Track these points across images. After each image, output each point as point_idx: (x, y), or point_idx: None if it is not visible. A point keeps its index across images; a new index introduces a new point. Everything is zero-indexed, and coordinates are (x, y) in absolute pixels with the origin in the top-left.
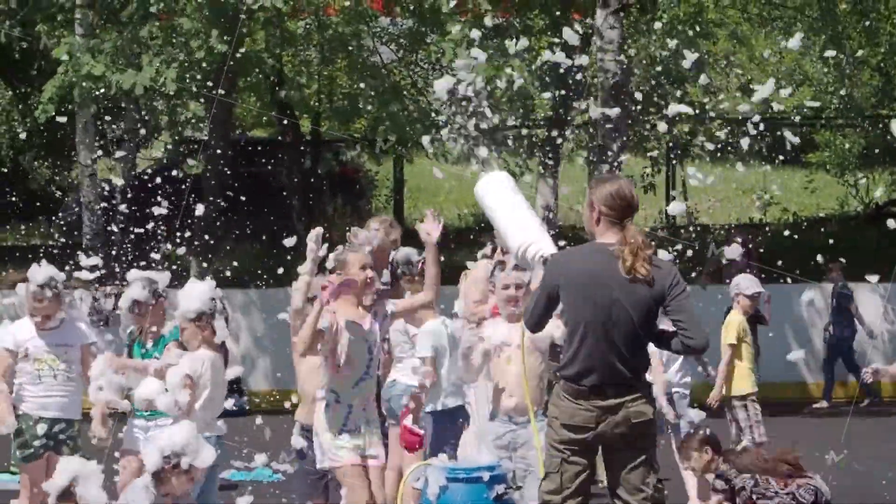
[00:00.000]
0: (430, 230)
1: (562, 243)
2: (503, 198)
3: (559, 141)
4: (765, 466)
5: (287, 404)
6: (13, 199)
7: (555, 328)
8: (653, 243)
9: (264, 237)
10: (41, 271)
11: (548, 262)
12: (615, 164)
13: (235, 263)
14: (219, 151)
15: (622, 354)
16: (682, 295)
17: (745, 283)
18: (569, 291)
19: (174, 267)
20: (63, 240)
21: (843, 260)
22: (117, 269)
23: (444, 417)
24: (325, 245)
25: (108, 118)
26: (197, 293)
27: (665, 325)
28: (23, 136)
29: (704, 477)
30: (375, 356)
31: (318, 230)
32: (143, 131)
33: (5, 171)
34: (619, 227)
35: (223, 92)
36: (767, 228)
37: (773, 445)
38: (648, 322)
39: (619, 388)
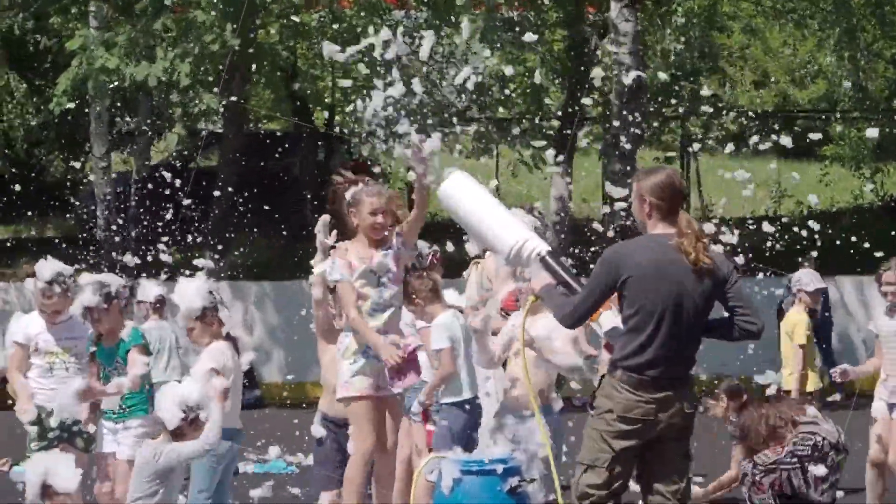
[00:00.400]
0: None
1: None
2: (477, 198)
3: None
4: (764, 432)
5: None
6: (28, 191)
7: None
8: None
9: (285, 230)
10: (48, 267)
11: (607, 256)
12: (629, 156)
13: (229, 253)
14: (214, 145)
15: (686, 345)
16: (739, 282)
17: (807, 279)
18: (637, 283)
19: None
20: (76, 230)
21: (815, 253)
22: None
23: (462, 409)
24: (334, 232)
25: (121, 110)
26: (194, 291)
27: None
28: (34, 122)
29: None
30: (389, 286)
31: (325, 218)
32: (154, 123)
33: (20, 167)
34: (671, 217)
35: (233, 99)
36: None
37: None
38: (709, 311)
39: (676, 379)
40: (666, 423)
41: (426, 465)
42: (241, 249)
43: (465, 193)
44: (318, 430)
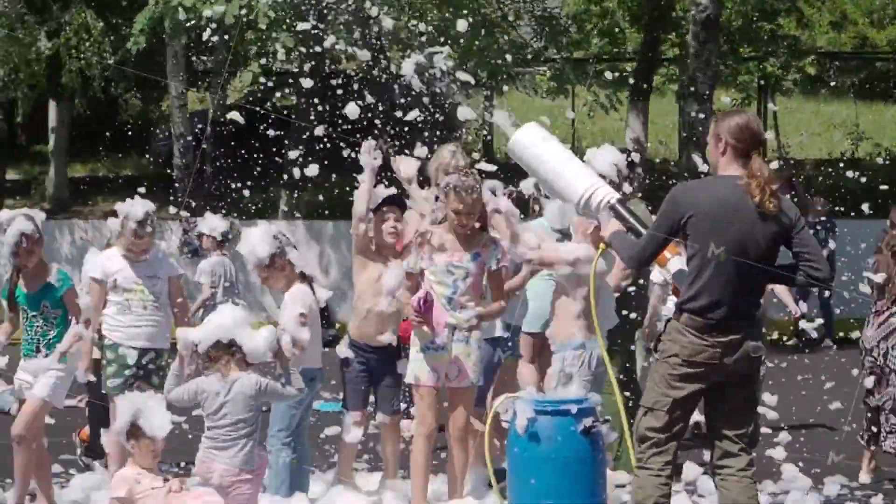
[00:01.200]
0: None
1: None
2: (549, 148)
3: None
4: None
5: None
6: (104, 129)
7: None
8: (778, 177)
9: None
10: (139, 207)
11: (673, 194)
12: (705, 97)
13: (305, 192)
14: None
15: (750, 288)
16: (806, 228)
17: None
18: (699, 223)
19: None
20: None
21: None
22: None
23: (490, 344)
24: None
25: (198, 48)
26: (258, 239)
27: None
28: (111, 61)
29: None
30: (464, 287)
31: (371, 142)
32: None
33: (97, 106)
34: (744, 160)
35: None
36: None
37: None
38: (774, 256)
39: (742, 322)
40: (731, 368)
41: (500, 405)
42: (316, 189)
43: (536, 143)
44: (345, 352)
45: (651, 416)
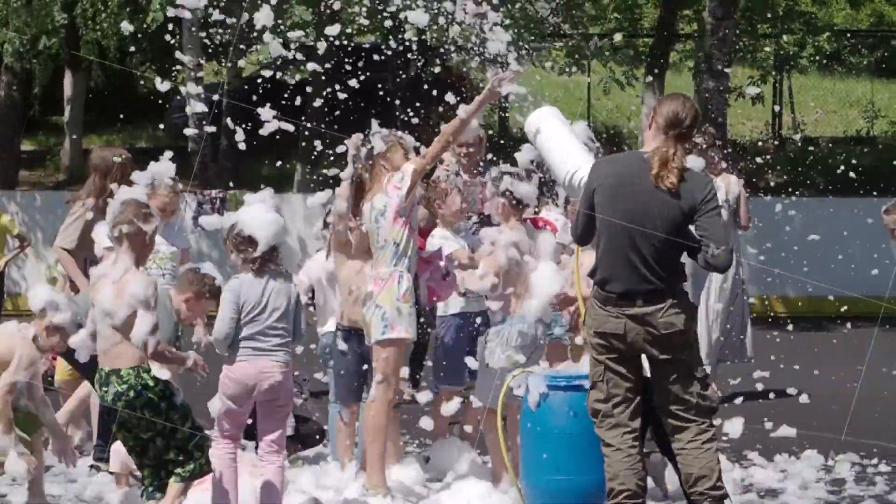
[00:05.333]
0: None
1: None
2: (552, 127)
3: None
4: None
5: None
6: (120, 101)
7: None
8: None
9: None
10: (166, 166)
11: (590, 168)
12: (722, 73)
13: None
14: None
15: (647, 262)
16: (713, 211)
17: None
18: (600, 195)
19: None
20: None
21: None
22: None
23: (463, 320)
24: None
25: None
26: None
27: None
28: (128, 33)
29: None
30: None
31: (358, 136)
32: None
33: (113, 78)
34: (663, 138)
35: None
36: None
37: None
38: (677, 233)
39: (647, 296)
40: (641, 343)
41: (514, 380)
42: (332, 163)
43: (545, 124)
44: (342, 344)
45: (595, 389)
